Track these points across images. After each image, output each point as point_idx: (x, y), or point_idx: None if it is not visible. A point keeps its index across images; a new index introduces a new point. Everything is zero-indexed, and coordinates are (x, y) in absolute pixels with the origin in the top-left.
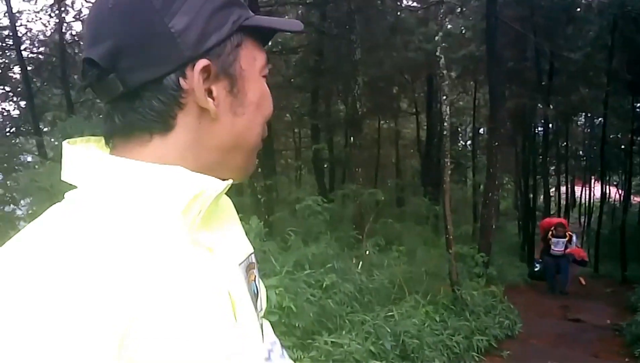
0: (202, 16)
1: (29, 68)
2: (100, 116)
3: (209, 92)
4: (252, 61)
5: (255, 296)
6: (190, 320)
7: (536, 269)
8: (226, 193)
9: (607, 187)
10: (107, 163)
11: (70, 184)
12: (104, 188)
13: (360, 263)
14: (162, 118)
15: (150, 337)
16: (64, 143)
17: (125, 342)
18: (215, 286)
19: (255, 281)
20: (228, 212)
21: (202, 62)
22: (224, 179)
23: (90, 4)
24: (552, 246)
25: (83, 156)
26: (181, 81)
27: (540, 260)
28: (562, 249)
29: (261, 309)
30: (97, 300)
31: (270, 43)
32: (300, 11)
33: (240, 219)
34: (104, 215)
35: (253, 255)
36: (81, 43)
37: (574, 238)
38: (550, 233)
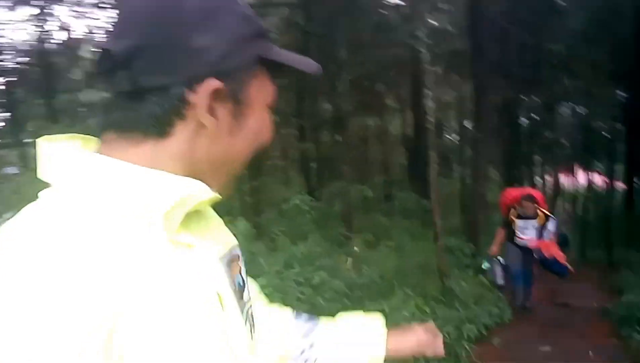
0: (227, 40)
1: (11, 78)
2: (82, 125)
3: (213, 111)
4: (262, 91)
5: (241, 288)
6: (174, 314)
7: (484, 268)
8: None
9: (592, 174)
10: (88, 161)
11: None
12: (84, 187)
13: (350, 260)
14: (159, 124)
15: (136, 332)
16: (39, 140)
17: (112, 338)
18: (196, 280)
19: (240, 273)
20: (209, 218)
21: (214, 83)
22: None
23: (74, 13)
24: (517, 232)
25: (62, 153)
26: (188, 94)
27: (494, 257)
28: (534, 236)
29: (249, 299)
30: (80, 298)
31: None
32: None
33: (228, 222)
34: (80, 215)
35: (237, 248)
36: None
37: (551, 222)
38: (512, 211)
